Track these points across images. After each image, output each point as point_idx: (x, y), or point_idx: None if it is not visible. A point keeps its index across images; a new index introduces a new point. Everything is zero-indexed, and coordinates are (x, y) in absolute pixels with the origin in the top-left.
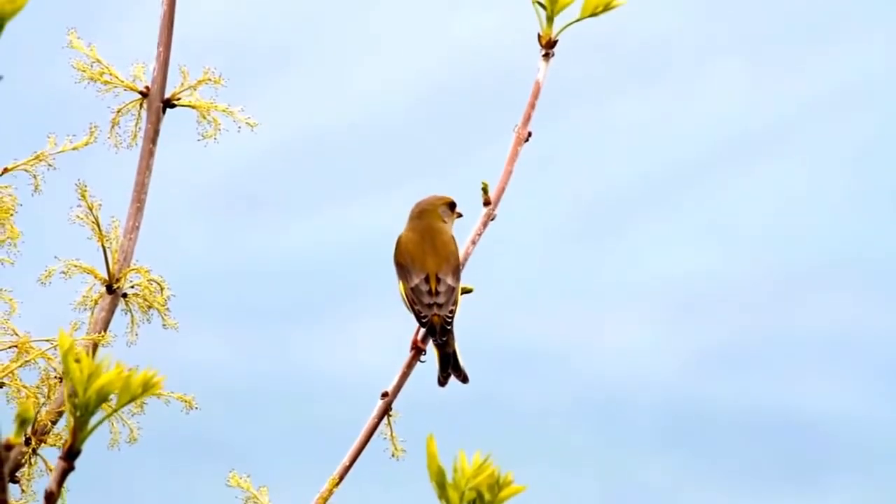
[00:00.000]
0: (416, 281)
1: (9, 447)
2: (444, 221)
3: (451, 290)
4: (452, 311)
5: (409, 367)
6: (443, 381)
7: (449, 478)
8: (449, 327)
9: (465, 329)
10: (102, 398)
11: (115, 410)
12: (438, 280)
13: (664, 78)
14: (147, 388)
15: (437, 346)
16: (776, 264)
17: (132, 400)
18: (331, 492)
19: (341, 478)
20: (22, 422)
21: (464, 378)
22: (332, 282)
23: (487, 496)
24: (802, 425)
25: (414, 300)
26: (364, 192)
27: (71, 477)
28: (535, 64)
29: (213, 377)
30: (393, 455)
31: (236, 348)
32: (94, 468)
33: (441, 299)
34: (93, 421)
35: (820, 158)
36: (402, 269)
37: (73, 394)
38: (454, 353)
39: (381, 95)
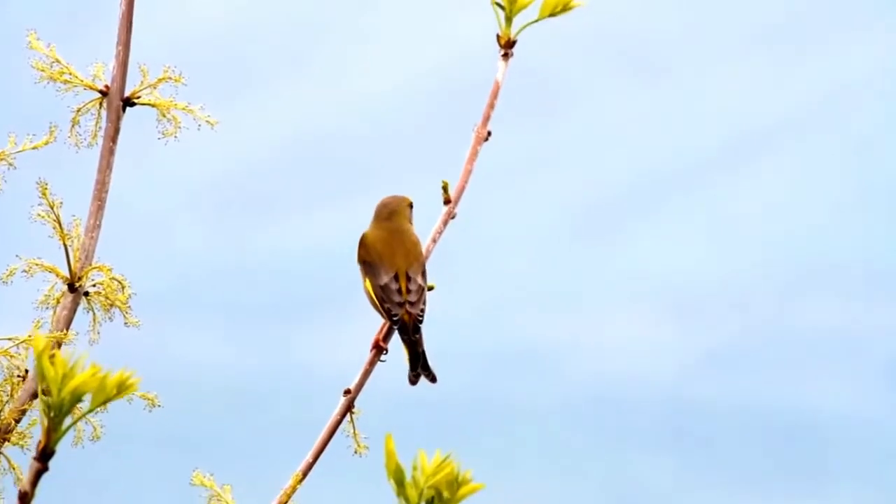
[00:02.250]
0: (385, 279)
1: None
2: (410, 222)
3: (421, 290)
4: (423, 310)
5: (371, 364)
6: (413, 380)
7: (408, 476)
8: (420, 325)
9: (464, 329)
10: (76, 399)
11: (90, 411)
12: (409, 279)
13: (663, 78)
14: (122, 389)
15: (408, 344)
16: (776, 264)
17: (107, 401)
18: (294, 488)
19: (304, 474)
20: None
21: (432, 378)
22: (331, 281)
23: (446, 494)
24: (802, 425)
25: (384, 298)
26: (364, 192)
27: (65, 476)
28: (533, 64)
29: (211, 375)
30: (356, 452)
31: (235, 347)
32: (92, 468)
33: (413, 297)
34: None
35: (819, 158)
36: (370, 266)
37: (46, 394)
38: (423, 352)
39: (381, 96)
